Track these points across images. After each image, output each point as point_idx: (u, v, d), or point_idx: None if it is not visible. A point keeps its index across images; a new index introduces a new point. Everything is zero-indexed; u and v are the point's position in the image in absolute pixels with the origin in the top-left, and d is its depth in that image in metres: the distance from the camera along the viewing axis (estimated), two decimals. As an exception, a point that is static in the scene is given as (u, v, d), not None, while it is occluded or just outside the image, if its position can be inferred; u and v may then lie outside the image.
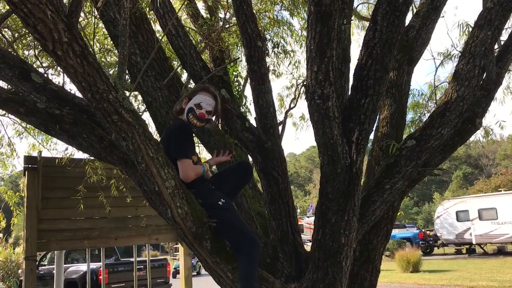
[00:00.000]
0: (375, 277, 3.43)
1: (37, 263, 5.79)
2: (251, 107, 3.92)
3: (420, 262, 16.62)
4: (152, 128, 3.71)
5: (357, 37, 6.59)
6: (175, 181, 2.34)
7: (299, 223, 23.00)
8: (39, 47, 4.46)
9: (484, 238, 21.06)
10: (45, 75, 4.18)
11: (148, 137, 2.25)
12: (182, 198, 2.38)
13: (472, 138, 3.95)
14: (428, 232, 26.54)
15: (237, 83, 4.73)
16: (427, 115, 4.10)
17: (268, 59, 5.25)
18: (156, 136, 3.21)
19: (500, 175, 37.61)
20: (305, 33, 3.76)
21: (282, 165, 3.28)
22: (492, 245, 22.49)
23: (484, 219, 20.79)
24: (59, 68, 4.92)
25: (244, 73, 4.93)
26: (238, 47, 5.44)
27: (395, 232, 23.92)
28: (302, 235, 3.56)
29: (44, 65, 5.20)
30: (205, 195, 2.56)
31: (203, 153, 5.22)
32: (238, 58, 5.02)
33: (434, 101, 4.72)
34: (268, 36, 5.45)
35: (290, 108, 4.94)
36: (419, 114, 5.08)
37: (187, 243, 2.65)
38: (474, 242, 21.57)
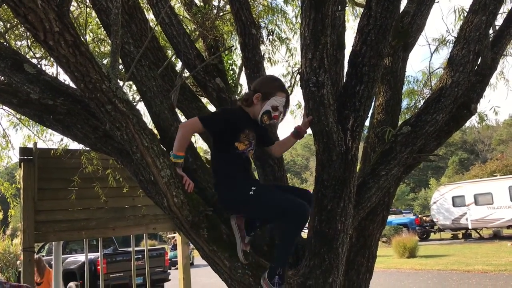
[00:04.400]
0: (372, 263, 3.45)
1: (35, 254, 5.80)
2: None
3: (417, 248, 16.79)
4: (147, 118, 3.70)
5: (352, 23, 6.56)
6: (171, 170, 2.34)
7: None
8: (32, 37, 4.42)
9: (480, 223, 21.24)
10: (38, 65, 4.15)
11: (142, 127, 2.25)
12: (178, 187, 2.38)
13: (467, 124, 3.96)
14: (424, 217, 26.75)
15: (232, 72, 4.71)
16: (422, 101, 4.10)
17: (263, 47, 5.21)
18: (151, 126, 3.20)
19: (496, 160, 37.86)
20: (299, 20, 3.74)
21: (278, 153, 3.28)
22: (488, 230, 22.71)
23: (480, 204, 20.96)
24: (52, 59, 4.88)
25: (239, 62, 4.90)
26: (233, 35, 5.41)
27: (392, 218, 24.10)
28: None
29: (37, 55, 5.15)
30: (235, 187, 2.47)
31: (199, 142, 5.22)
32: (233, 46, 5.00)
33: (430, 87, 4.72)
34: (262, 24, 5.41)
35: (286, 96, 4.92)
36: (414, 101, 5.08)
37: (184, 232, 2.66)
38: (470, 227, 21.77)
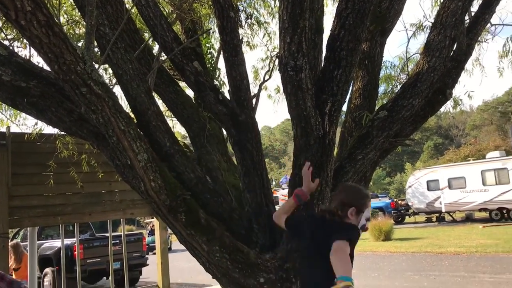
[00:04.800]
0: (348, 245, 3.50)
1: (9, 240, 5.70)
2: (225, 80, 3.89)
3: (392, 231, 17.13)
4: (123, 101, 3.64)
5: (331, 8, 6.55)
6: (148, 154, 2.32)
7: (275, 195, 23.28)
8: (3, 17, 4.29)
9: (453, 206, 21.79)
10: (10, 47, 4.03)
11: (118, 110, 2.22)
12: (155, 172, 2.36)
13: (442, 109, 4.02)
14: (399, 201, 27.29)
15: (210, 55, 4.66)
16: (399, 86, 4.14)
17: (241, 31, 5.17)
18: (127, 109, 3.15)
19: (469, 145, 38.75)
20: (278, 3, 3.72)
21: (256, 138, 3.28)
22: (461, 213, 23.31)
23: (453, 188, 21.47)
24: (25, 40, 4.74)
25: (217, 45, 4.85)
26: (211, 18, 5.34)
27: (368, 202, 24.44)
28: (277, 207, 3.59)
29: (9, 37, 4.99)
30: None
31: (177, 127, 5.16)
32: (211, 29, 4.94)
33: (406, 73, 4.76)
34: (241, 7, 5.36)
35: (265, 81, 4.91)
36: (391, 86, 5.12)
37: (161, 216, 2.65)
38: (443, 210, 22.31)
